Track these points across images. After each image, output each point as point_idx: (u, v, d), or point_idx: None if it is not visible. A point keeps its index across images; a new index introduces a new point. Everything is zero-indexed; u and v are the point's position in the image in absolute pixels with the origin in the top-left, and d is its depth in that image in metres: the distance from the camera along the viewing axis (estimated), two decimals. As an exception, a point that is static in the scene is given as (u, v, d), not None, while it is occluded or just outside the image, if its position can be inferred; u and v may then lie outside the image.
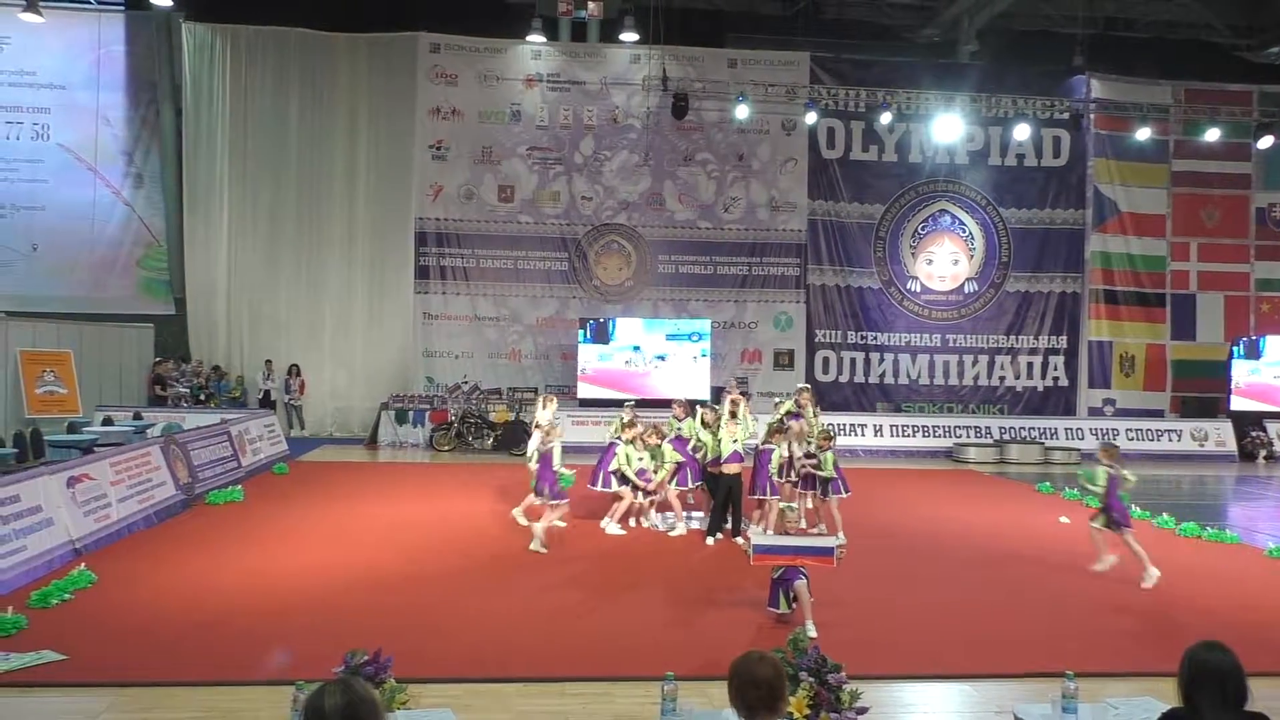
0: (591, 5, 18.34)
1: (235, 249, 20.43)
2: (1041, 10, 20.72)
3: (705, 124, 21.28)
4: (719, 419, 10.66)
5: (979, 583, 8.81)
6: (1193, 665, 3.13)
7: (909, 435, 20.15)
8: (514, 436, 18.30)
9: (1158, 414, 21.97)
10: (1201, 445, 20.55)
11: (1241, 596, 8.40)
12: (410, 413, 19.21)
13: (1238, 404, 21.26)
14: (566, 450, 11.29)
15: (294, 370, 20.22)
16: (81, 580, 7.78)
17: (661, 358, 19.71)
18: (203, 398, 19.24)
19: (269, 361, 20.14)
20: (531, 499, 10.74)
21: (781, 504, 9.21)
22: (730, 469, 10.31)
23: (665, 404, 12.61)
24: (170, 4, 19.56)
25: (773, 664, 3.00)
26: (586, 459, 13.15)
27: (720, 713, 4.22)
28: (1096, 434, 20.44)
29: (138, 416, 16.54)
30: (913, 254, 22.22)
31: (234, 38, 20.35)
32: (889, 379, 22.01)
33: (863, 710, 4.99)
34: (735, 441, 10.34)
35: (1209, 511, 13.56)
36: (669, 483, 11.03)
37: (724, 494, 10.40)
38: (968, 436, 19.91)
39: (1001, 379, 22.28)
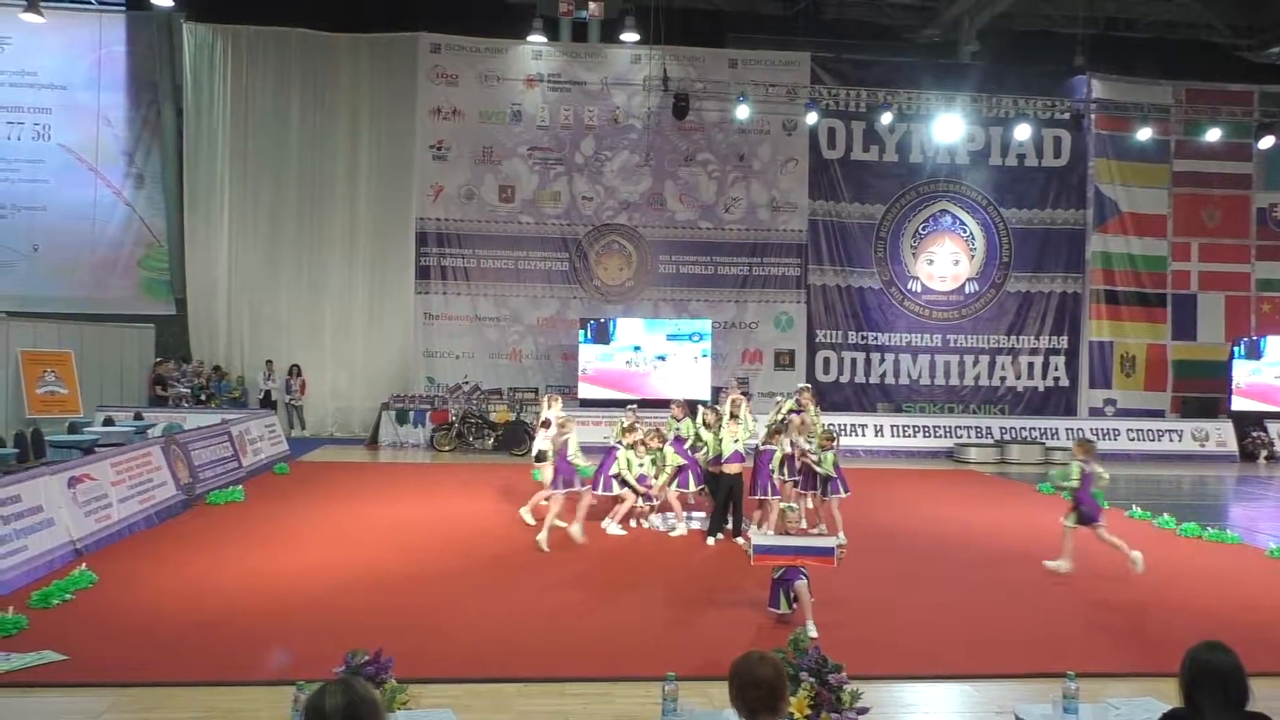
0: (592, 5, 18.34)
1: (236, 249, 20.44)
2: (1042, 10, 20.71)
3: (706, 124, 21.28)
4: (720, 419, 10.65)
5: (980, 583, 8.81)
6: (1194, 665, 3.12)
7: (910, 435, 20.14)
8: (515, 437, 18.31)
9: (1158, 414, 21.96)
10: (1202, 445, 20.54)
11: (1242, 597, 8.40)
12: (411, 413, 19.21)
13: (1238, 404, 21.25)
14: (543, 455, 11.31)
15: (295, 370, 20.23)
16: (82, 580, 7.78)
17: (661, 358, 19.71)
18: (203, 398, 19.24)
19: (270, 362, 20.15)
20: (539, 497, 10.77)
21: (782, 504, 9.22)
22: (731, 469, 10.32)
23: (666, 404, 12.60)
24: (171, 4, 19.56)
25: (773, 664, 3.00)
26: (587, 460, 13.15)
27: (721, 713, 4.21)
28: (1098, 434, 20.44)
29: (138, 417, 16.55)
30: (913, 254, 22.21)
31: (235, 38, 20.35)
32: (890, 379, 22.01)
33: (863, 710, 4.99)
34: (736, 441, 10.34)
35: (1210, 512, 13.56)
36: (670, 485, 11.03)
37: (725, 494, 10.40)
38: (968, 437, 19.90)
39: (1002, 379, 22.28)
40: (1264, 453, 20.29)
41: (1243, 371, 21.44)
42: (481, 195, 20.98)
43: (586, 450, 10.67)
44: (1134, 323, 22.48)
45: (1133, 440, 20.49)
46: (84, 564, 8.23)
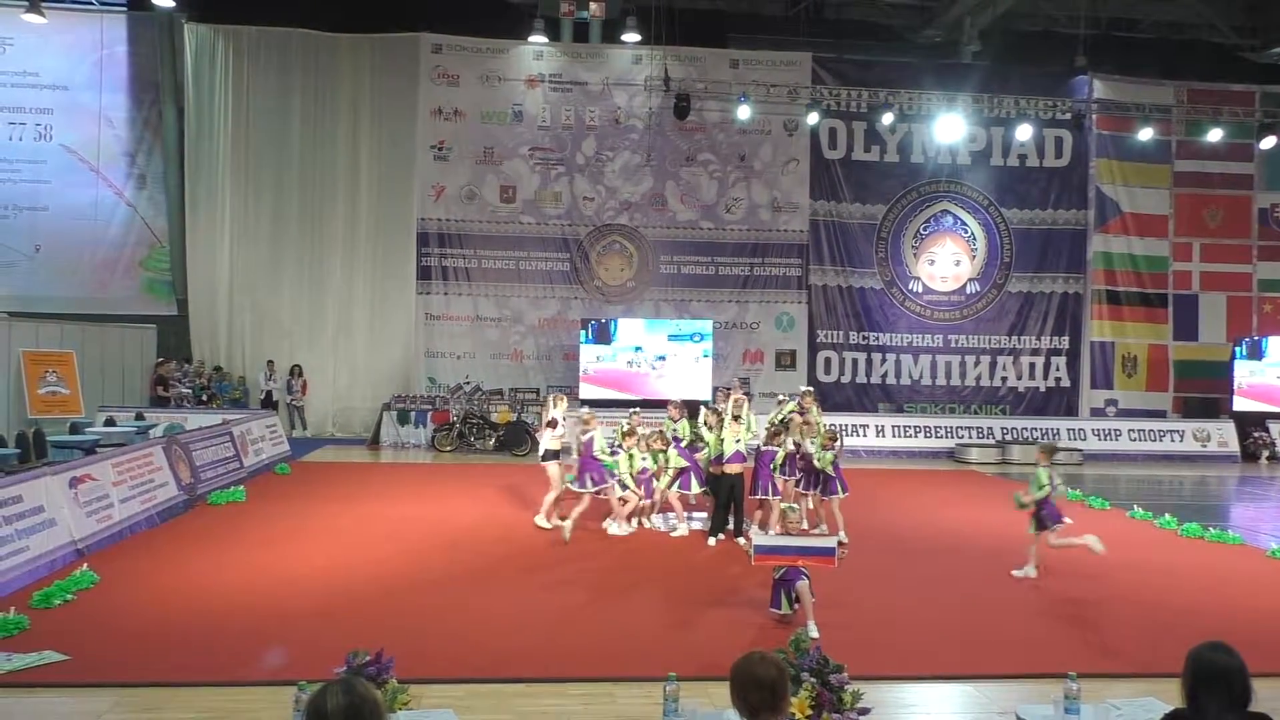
0: (593, 6, 18.33)
1: (237, 249, 20.45)
2: (1043, 10, 20.69)
3: (707, 124, 21.28)
4: (720, 419, 10.65)
5: (981, 583, 8.80)
6: (1198, 666, 3.12)
7: (911, 436, 20.14)
8: (516, 437, 18.31)
9: (1160, 414, 21.95)
10: (1204, 446, 20.52)
11: (1244, 597, 8.39)
12: (412, 413, 19.21)
13: (1240, 404, 21.24)
14: (566, 451, 11.32)
15: (296, 371, 20.24)
16: (84, 581, 7.79)
17: (661, 358, 19.69)
18: (205, 398, 19.26)
19: (271, 362, 20.16)
20: (550, 500, 10.80)
21: (783, 505, 9.22)
22: (732, 469, 10.32)
23: (666, 405, 12.59)
24: (173, 5, 19.57)
25: (775, 664, 3.00)
26: (573, 456, 13.15)
27: (722, 713, 4.21)
28: (1099, 435, 20.46)
29: (140, 417, 16.54)
30: (914, 254, 22.21)
31: (236, 38, 20.36)
32: (891, 379, 22.01)
33: (865, 711, 4.99)
34: (738, 441, 10.35)
35: (1211, 512, 13.55)
36: (671, 486, 11.03)
37: (725, 494, 10.40)
38: (970, 437, 19.89)
39: (1003, 380, 22.27)
40: (1266, 453, 20.28)
41: (1244, 372, 21.42)
42: (483, 195, 20.99)
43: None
44: (1135, 323, 22.47)
45: (1134, 441, 20.48)
46: (85, 564, 8.23)
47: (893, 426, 20.30)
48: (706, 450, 10.94)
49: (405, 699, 5.01)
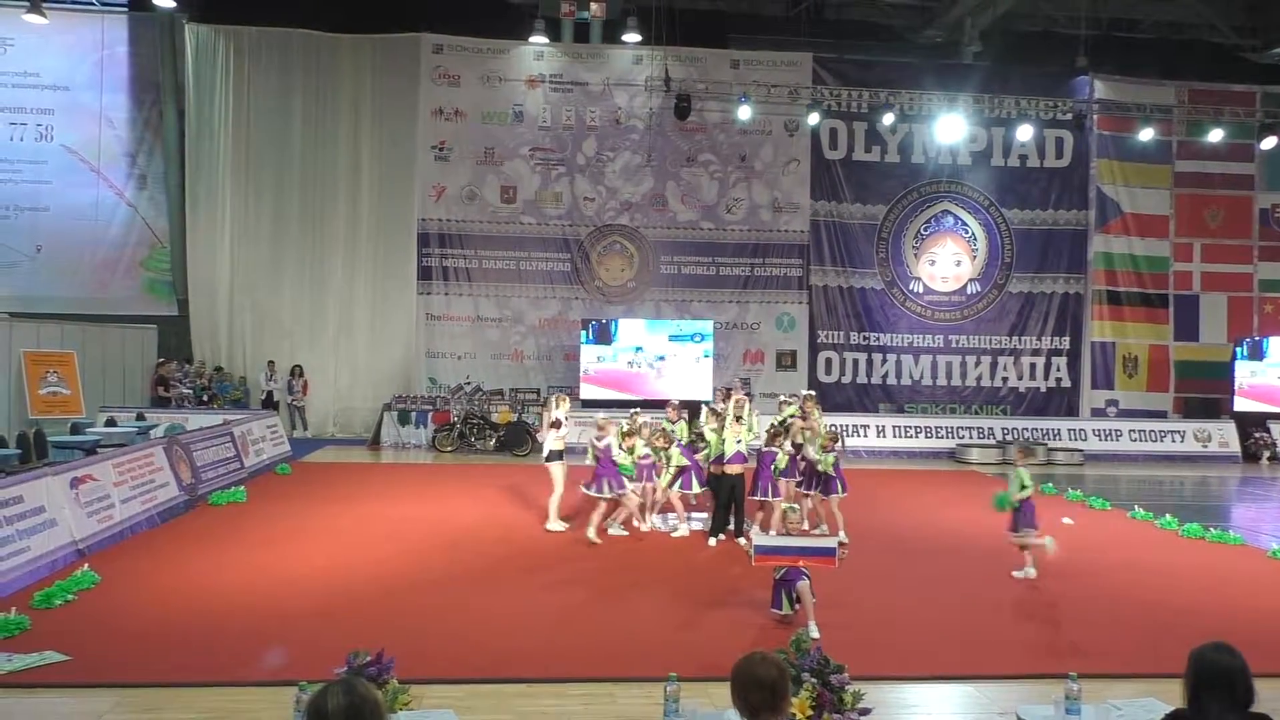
0: (594, 6, 18.32)
1: (238, 250, 20.44)
2: (1044, 11, 20.68)
3: (708, 125, 21.28)
4: (722, 420, 10.65)
5: (982, 584, 8.80)
6: (1200, 666, 3.11)
7: (911, 436, 20.13)
8: (516, 437, 18.30)
9: (1161, 415, 21.93)
10: (1205, 446, 20.51)
11: (1245, 598, 8.39)
12: (413, 413, 19.22)
13: (1241, 405, 21.22)
14: (570, 451, 11.32)
15: (297, 371, 20.24)
16: (85, 581, 7.79)
17: (661, 358, 19.68)
18: (205, 399, 19.26)
19: (272, 362, 20.16)
20: (554, 504, 10.81)
21: (784, 505, 9.22)
22: (733, 469, 10.32)
23: (666, 405, 12.59)
24: (174, 5, 19.57)
25: (775, 665, 3.00)
26: (587, 460, 13.15)
27: (723, 714, 4.22)
28: (1100, 435, 20.45)
29: (141, 417, 16.55)
30: (915, 255, 22.20)
31: (237, 39, 20.36)
32: (891, 380, 22.00)
33: (865, 711, 4.99)
34: (739, 442, 10.35)
35: (1212, 513, 13.54)
36: (672, 486, 11.04)
37: (726, 494, 10.40)
38: (970, 438, 19.88)
39: (1004, 380, 22.26)
40: (1267, 453, 20.27)
41: (1245, 372, 21.41)
42: (483, 196, 20.99)
43: (580, 451, 10.74)
44: (1136, 323, 22.46)
45: (1135, 441, 20.47)
46: (86, 564, 8.24)
47: (893, 427, 20.30)
48: (707, 450, 10.94)
49: (406, 699, 5.01)
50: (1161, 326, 22.51)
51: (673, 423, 11.67)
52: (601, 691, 5.86)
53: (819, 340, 21.82)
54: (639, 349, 19.73)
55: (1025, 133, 20.71)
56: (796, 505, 9.03)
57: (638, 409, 12.57)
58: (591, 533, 10.05)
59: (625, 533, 10.70)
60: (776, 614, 7.25)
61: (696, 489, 11.11)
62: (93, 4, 20.53)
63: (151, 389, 19.43)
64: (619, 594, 8.21)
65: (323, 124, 20.59)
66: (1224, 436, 20.65)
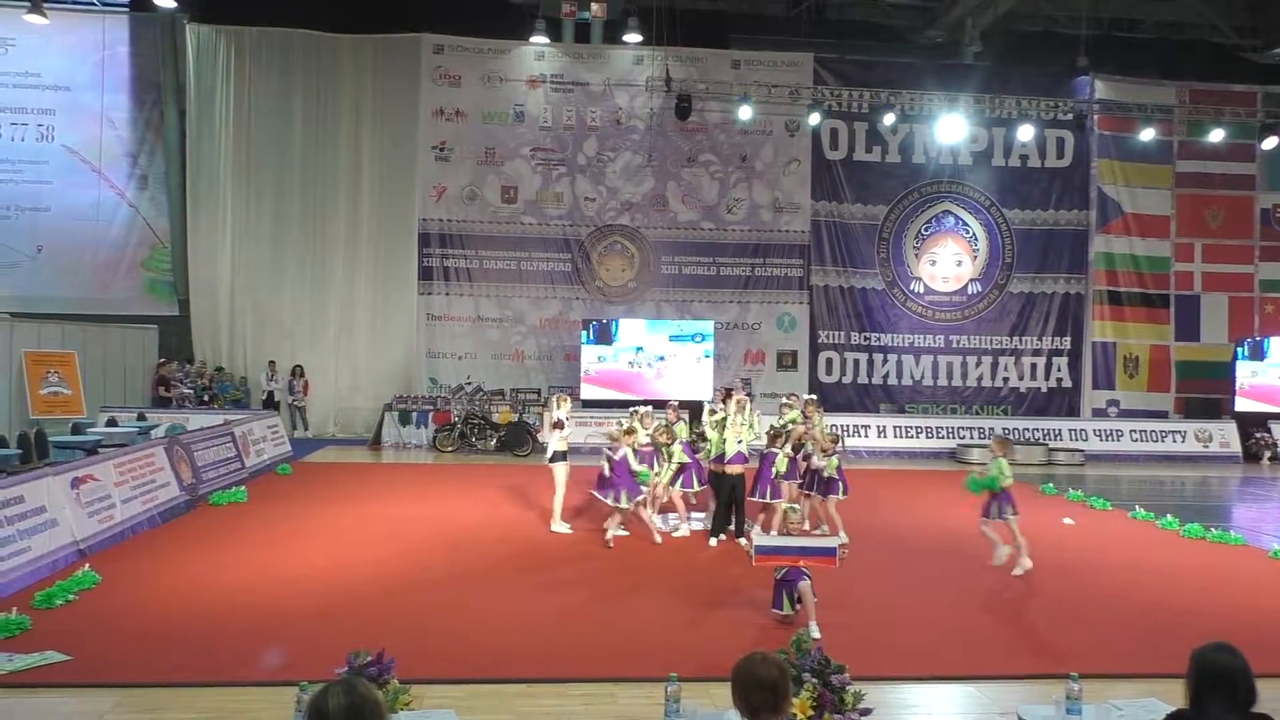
0: (595, 6, 18.32)
1: (239, 250, 20.45)
2: (1045, 11, 20.67)
3: (708, 125, 21.28)
4: (723, 421, 10.65)
5: (982, 584, 8.80)
6: (1203, 666, 3.10)
7: (912, 436, 20.13)
8: (517, 437, 18.30)
9: (1162, 415, 21.92)
10: (1206, 446, 20.50)
11: (1246, 598, 8.39)
12: (413, 414, 19.22)
13: (1242, 405, 21.21)
14: (572, 452, 11.31)
15: (298, 371, 20.25)
16: (86, 581, 7.80)
17: (660, 358, 19.68)
18: (206, 399, 19.26)
19: (273, 362, 20.17)
20: (558, 503, 10.82)
21: (784, 505, 9.22)
22: (733, 469, 10.32)
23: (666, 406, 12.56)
24: (174, 5, 19.58)
25: (776, 665, 3.00)
26: (588, 460, 13.15)
27: (724, 714, 4.21)
28: (1100, 435, 20.44)
29: (142, 417, 16.55)
30: (916, 255, 22.20)
31: (238, 39, 20.37)
32: (892, 380, 21.99)
33: (866, 711, 4.99)
34: (740, 442, 10.35)
35: (1213, 513, 13.54)
36: (673, 484, 11.04)
37: (727, 494, 10.40)
38: (971, 438, 19.85)
39: (1005, 380, 22.25)
40: (1268, 454, 20.26)
41: (1246, 372, 21.40)
42: (484, 196, 20.99)
43: (587, 451, 10.72)
44: (1137, 324, 22.45)
45: (1136, 441, 20.46)
46: (87, 564, 8.24)
47: (894, 427, 20.29)
48: (706, 449, 10.95)
49: (406, 699, 5.01)
50: (1162, 327, 22.50)
51: (672, 423, 11.67)
52: (602, 691, 5.86)
53: (820, 340, 21.82)
54: (640, 349, 19.73)
55: (1026, 133, 20.71)
56: (797, 505, 9.03)
57: (635, 408, 12.51)
58: (611, 534, 10.09)
59: (625, 533, 10.69)
60: (777, 614, 7.24)
61: (696, 487, 11.12)
62: (94, 4, 20.54)
63: (152, 389, 19.44)
64: (619, 594, 8.21)
65: (323, 124, 20.59)
66: (1225, 437, 20.64)
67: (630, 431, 10.84)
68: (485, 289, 21.04)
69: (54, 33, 19.78)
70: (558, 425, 10.86)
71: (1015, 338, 22.29)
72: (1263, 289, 22.76)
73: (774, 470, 10.11)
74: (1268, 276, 22.75)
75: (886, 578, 8.93)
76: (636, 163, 21.30)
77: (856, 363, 21.93)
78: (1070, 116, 21.07)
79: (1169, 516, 11.87)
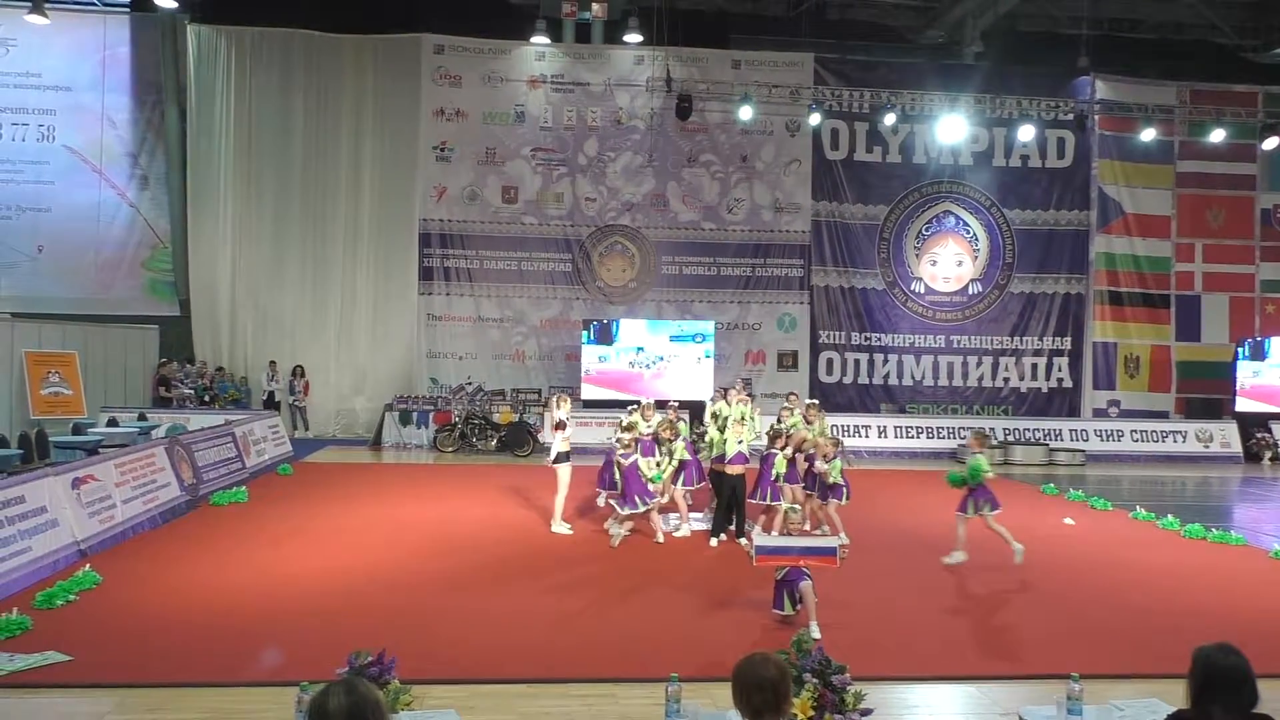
0: (595, 6, 18.34)
1: (240, 250, 20.46)
2: (1046, 11, 20.68)
3: (709, 125, 21.28)
4: (724, 422, 10.65)
5: (983, 584, 8.79)
6: (1205, 667, 3.09)
7: (913, 436, 20.12)
8: (518, 438, 18.31)
9: (1162, 415, 21.92)
10: (1206, 447, 20.50)
11: (1246, 598, 8.38)
12: (414, 414, 19.22)
13: (1243, 405, 21.21)
14: (574, 452, 11.31)
15: (299, 371, 20.25)
16: (86, 581, 7.80)
17: (660, 358, 19.67)
18: (207, 399, 19.27)
19: (273, 362, 20.17)
20: (560, 503, 10.82)
21: (785, 505, 9.21)
22: (734, 469, 10.32)
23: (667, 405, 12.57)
24: (175, 6, 19.59)
25: (777, 665, 3.00)
26: (588, 460, 13.16)
27: (724, 714, 4.21)
28: (1101, 435, 20.44)
29: (142, 417, 16.56)
30: (917, 255, 22.20)
31: (239, 39, 20.38)
32: (893, 380, 21.99)
33: (867, 712, 4.99)
34: (741, 442, 10.35)
35: (1214, 513, 13.53)
36: (675, 484, 11.04)
37: (727, 494, 10.40)
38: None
39: (1005, 380, 22.25)
40: (1268, 454, 20.26)
41: (1247, 373, 21.40)
42: (485, 196, 20.99)
43: (589, 451, 10.71)
44: (1138, 324, 22.44)
45: (1136, 441, 20.46)
46: (88, 565, 8.24)
47: (895, 427, 20.29)
48: (706, 449, 10.96)
49: (407, 699, 5.01)
50: (1163, 327, 22.50)
51: (674, 421, 11.68)
52: (603, 692, 5.86)
53: (820, 340, 21.81)
54: (640, 349, 19.73)
55: (1027, 133, 20.70)
56: (798, 506, 9.02)
57: (634, 406, 12.47)
58: (617, 535, 10.10)
59: (626, 533, 10.69)
60: (778, 614, 7.24)
61: (696, 484, 11.15)
62: (94, 4, 20.55)
63: (153, 389, 19.44)
64: (620, 594, 8.21)
65: (324, 124, 20.60)
66: (1225, 437, 20.64)
67: (630, 428, 10.86)
68: (486, 289, 21.04)
69: (55, 33, 19.80)
70: (560, 426, 10.85)
71: (1016, 338, 22.29)
72: (1263, 289, 22.76)
73: (774, 472, 10.11)
74: (1268, 277, 22.75)
75: (887, 577, 8.93)
76: (637, 163, 21.30)
77: (857, 363, 21.93)
78: (1071, 117, 21.06)
79: (1170, 517, 11.86)
